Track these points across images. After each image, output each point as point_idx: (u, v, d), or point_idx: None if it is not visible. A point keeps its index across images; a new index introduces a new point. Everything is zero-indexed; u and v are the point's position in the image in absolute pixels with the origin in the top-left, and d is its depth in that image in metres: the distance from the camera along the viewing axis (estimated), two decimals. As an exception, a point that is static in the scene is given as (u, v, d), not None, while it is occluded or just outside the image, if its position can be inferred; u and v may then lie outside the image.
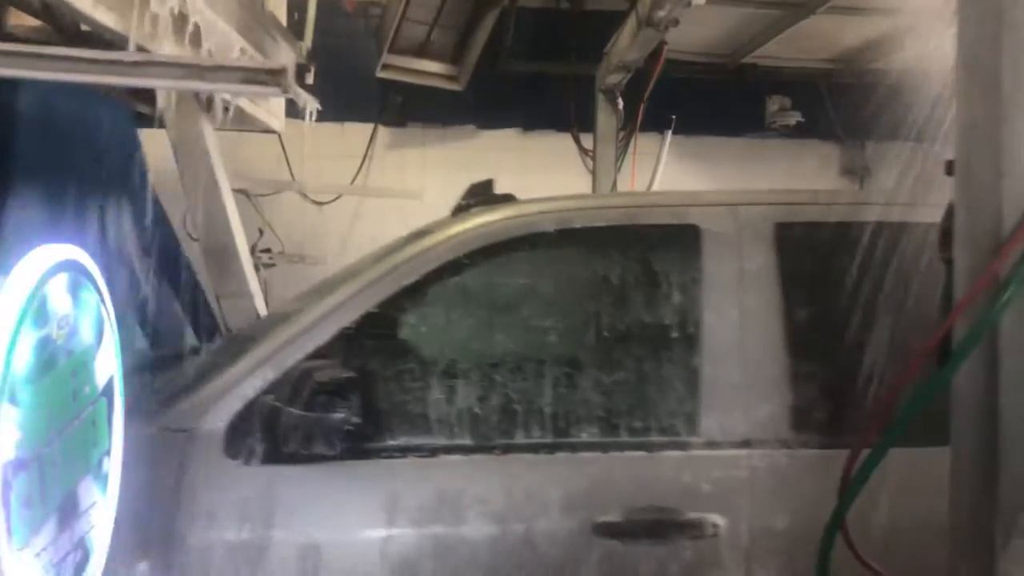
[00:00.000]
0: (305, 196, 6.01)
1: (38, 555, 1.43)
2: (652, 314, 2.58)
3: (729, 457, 2.41)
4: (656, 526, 2.35)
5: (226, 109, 3.26)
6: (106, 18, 2.27)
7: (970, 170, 1.40)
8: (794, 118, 6.03)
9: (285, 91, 1.71)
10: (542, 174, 6.28)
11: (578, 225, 2.66)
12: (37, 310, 1.44)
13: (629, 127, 5.24)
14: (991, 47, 1.34)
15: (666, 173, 5.06)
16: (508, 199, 2.98)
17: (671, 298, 2.55)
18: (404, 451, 2.39)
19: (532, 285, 2.65)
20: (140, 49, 2.32)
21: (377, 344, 2.48)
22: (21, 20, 2.96)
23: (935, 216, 2.67)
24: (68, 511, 1.56)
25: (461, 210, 2.95)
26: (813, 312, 2.55)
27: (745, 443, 2.42)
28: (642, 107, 4.85)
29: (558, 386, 2.46)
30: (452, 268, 2.52)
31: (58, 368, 1.51)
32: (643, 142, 5.20)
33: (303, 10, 4.50)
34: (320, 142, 5.88)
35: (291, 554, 2.27)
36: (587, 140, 5.72)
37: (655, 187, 4.93)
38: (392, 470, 2.38)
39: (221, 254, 3.60)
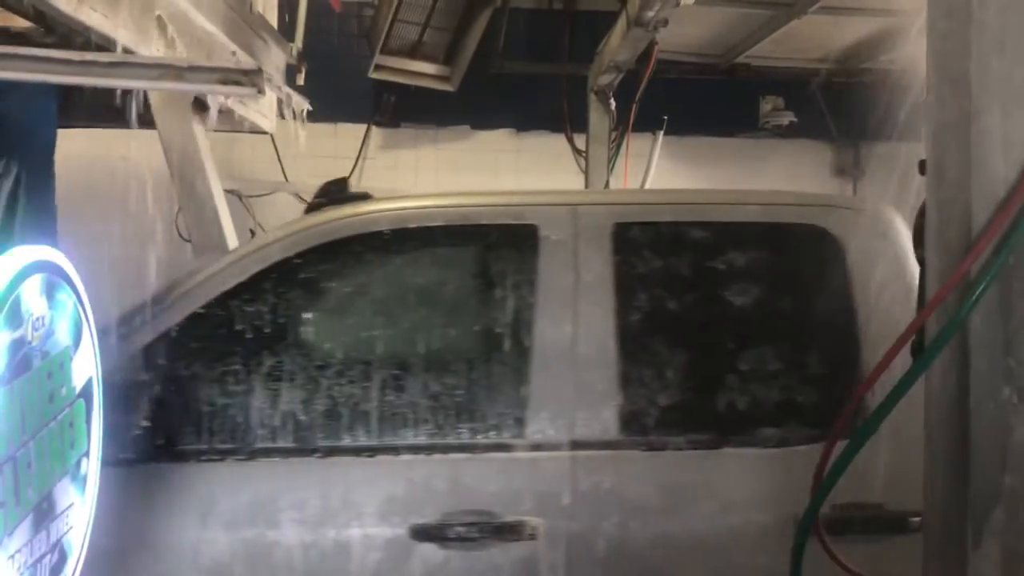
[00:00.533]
0: (298, 197, 6.01)
1: (12, 557, 1.43)
2: (483, 315, 2.56)
3: (553, 460, 2.40)
4: (472, 529, 2.34)
5: (220, 111, 3.26)
6: (91, 19, 2.28)
7: (941, 169, 1.40)
8: (787, 118, 6.03)
9: (261, 91, 1.72)
10: (536, 175, 6.31)
11: (413, 225, 2.61)
12: (11, 311, 1.44)
13: (622, 127, 5.24)
14: (960, 47, 1.34)
15: (658, 173, 5.05)
16: (364, 197, 2.95)
17: (504, 299, 2.52)
18: (222, 454, 2.37)
19: (362, 286, 2.59)
20: (126, 51, 2.34)
21: (200, 346, 2.45)
22: (11, 21, 2.97)
23: (783, 216, 2.67)
24: (44, 513, 1.56)
25: (312, 209, 2.91)
26: (649, 314, 2.52)
27: (572, 445, 2.40)
28: (634, 107, 4.84)
29: (383, 389, 2.42)
30: (282, 268, 2.48)
31: (33, 370, 1.51)
32: (636, 142, 5.20)
33: (294, 12, 4.51)
34: (313, 143, 5.88)
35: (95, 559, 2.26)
36: (580, 140, 5.72)
37: (647, 187, 4.92)
38: (208, 473, 2.36)
39: (212, 255, 3.60)
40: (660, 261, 2.56)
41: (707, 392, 2.47)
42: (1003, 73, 1.32)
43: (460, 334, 2.56)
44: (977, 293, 1.32)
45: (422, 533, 2.33)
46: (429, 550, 2.33)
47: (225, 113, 3.72)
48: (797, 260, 2.65)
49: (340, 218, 2.60)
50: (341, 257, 2.54)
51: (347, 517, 2.34)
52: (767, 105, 6.08)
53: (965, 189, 1.35)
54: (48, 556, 1.57)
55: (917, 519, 2.28)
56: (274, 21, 4.44)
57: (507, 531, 2.34)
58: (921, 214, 1.50)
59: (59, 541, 1.61)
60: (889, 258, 2.56)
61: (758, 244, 2.62)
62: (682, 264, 2.57)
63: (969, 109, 1.33)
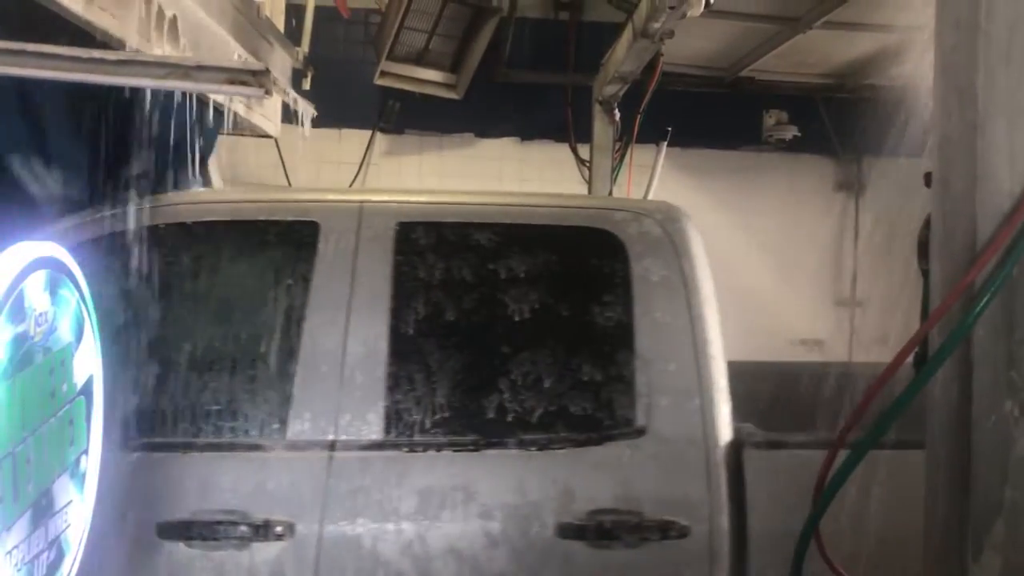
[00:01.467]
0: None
1: (9, 553, 1.43)
2: (253, 313, 2.51)
3: (311, 460, 2.37)
4: (218, 527, 2.30)
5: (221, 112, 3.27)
6: (100, 20, 2.29)
7: (946, 181, 1.40)
8: (791, 132, 6.04)
9: (268, 92, 1.72)
10: (539, 183, 6.31)
11: (190, 220, 2.56)
12: (14, 306, 1.44)
13: (626, 138, 5.25)
14: (967, 59, 1.34)
15: (661, 184, 5.05)
16: None
17: (276, 297, 2.48)
18: None
19: (135, 282, 2.49)
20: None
21: None
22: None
23: (569, 219, 2.63)
24: (42, 509, 1.56)
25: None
26: (424, 315, 2.50)
27: (332, 446, 2.38)
28: (639, 118, 4.85)
29: (143, 386, 2.37)
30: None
31: (34, 365, 1.51)
32: (639, 153, 5.20)
33: (301, 17, 4.53)
34: (317, 148, 5.90)
35: None
36: (584, 150, 5.72)
37: (650, 198, 4.92)
38: None
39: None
40: (442, 262, 2.53)
41: (475, 395, 2.45)
42: (1010, 86, 1.32)
43: (228, 332, 2.51)
44: (981, 305, 1.32)
45: (170, 531, 2.30)
46: (176, 547, 2.30)
47: (231, 116, 3.72)
48: (579, 263, 2.62)
49: (117, 212, 2.54)
50: (115, 252, 2.45)
51: (102, 513, 2.30)
52: (771, 119, 6.10)
53: (970, 201, 1.35)
54: (46, 553, 1.57)
55: (677, 526, 2.33)
56: (281, 26, 4.46)
57: (258, 531, 2.31)
58: (926, 226, 1.50)
59: (57, 538, 1.61)
60: (672, 262, 2.55)
61: (541, 247, 2.60)
62: (464, 266, 2.54)
63: (975, 121, 1.33)
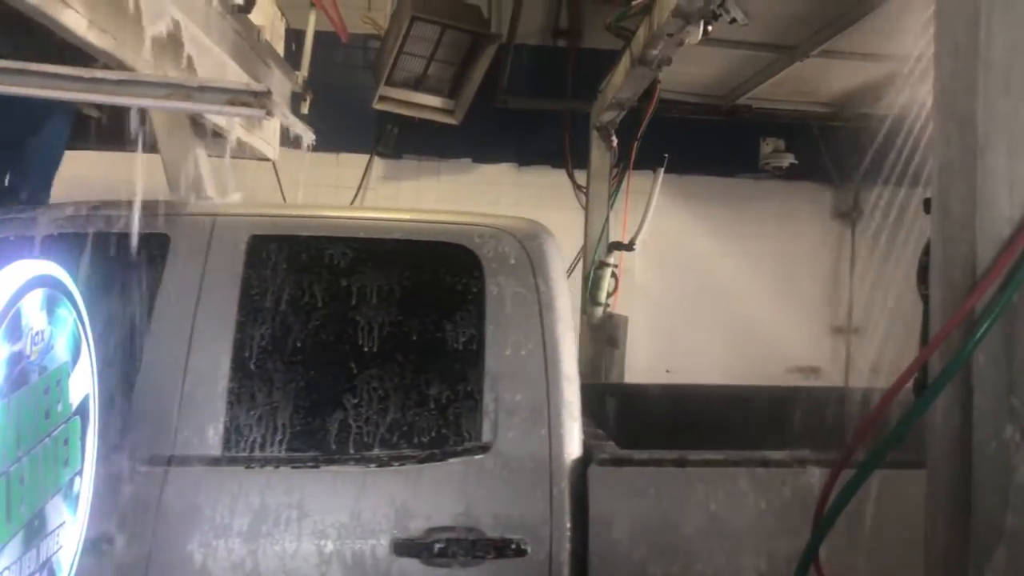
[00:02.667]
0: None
1: (1, 573, 1.41)
2: (99, 325, 2.47)
3: (146, 474, 2.33)
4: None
5: (217, 135, 3.27)
6: (100, 41, 2.29)
7: (946, 207, 1.40)
8: (787, 160, 6.07)
9: (270, 113, 1.72)
10: (536, 209, 6.29)
11: (42, 233, 2.51)
12: (10, 324, 1.43)
13: (623, 165, 5.27)
14: (966, 85, 1.35)
15: (658, 211, 5.07)
16: None
17: (123, 309, 2.43)
18: None
19: None
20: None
21: None
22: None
23: (426, 235, 2.58)
24: (35, 530, 1.54)
25: None
26: (271, 330, 2.47)
27: (168, 461, 2.35)
28: (636, 145, 4.87)
29: None
30: None
31: (30, 384, 1.50)
32: (636, 180, 5.22)
33: (301, 41, 4.55)
34: (315, 172, 5.91)
35: None
36: (581, 176, 5.75)
37: (647, 224, 4.94)
38: None
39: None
40: (293, 277, 2.51)
41: (318, 412, 2.42)
42: (1009, 111, 1.32)
43: None
44: (981, 331, 1.32)
45: None
46: None
47: (226, 138, 3.73)
48: (434, 279, 2.60)
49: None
50: None
51: None
52: (767, 146, 6.13)
53: (970, 227, 1.35)
54: (37, 574, 1.55)
55: (516, 544, 2.30)
56: (281, 50, 4.47)
57: (89, 545, 2.27)
58: (926, 252, 1.50)
59: (49, 560, 1.59)
60: (527, 280, 2.54)
61: (397, 262, 2.58)
62: (315, 280, 2.51)
63: (975, 147, 1.33)
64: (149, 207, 2.53)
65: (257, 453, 2.38)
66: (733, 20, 3.35)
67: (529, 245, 2.60)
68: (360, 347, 2.48)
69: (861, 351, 6.40)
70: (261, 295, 2.49)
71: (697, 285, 6.41)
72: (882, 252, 6.21)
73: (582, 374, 2.60)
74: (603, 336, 4.98)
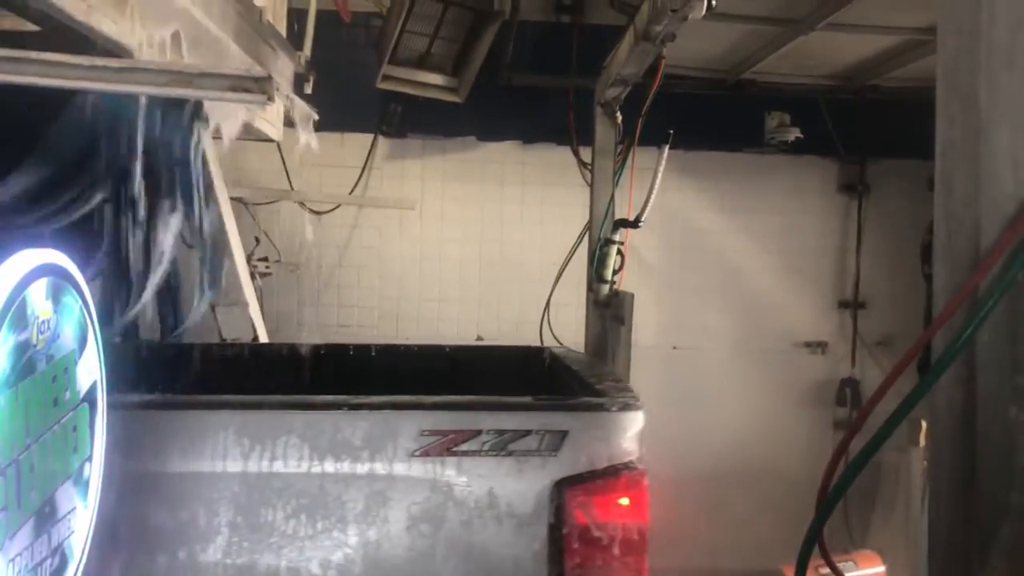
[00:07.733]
0: (303, 205, 6.02)
1: (12, 560, 1.43)
2: None
3: None
4: None
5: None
6: (102, 26, 2.28)
7: (949, 185, 1.40)
8: (793, 134, 6.03)
9: (271, 99, 1.72)
10: (541, 187, 6.31)
11: None
12: (16, 313, 1.44)
13: (628, 141, 5.24)
14: (970, 64, 1.34)
15: (664, 187, 5.04)
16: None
17: None
18: None
19: None
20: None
21: None
22: (18, 24, 2.98)
23: None
24: (46, 517, 1.56)
25: None
26: None
27: None
28: (641, 121, 4.84)
29: None
30: None
31: (37, 373, 1.51)
32: (642, 156, 5.19)
33: (303, 21, 4.52)
34: (320, 152, 5.88)
35: None
36: (586, 153, 5.72)
37: (652, 201, 4.91)
38: None
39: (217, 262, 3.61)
40: None
41: None
42: (1012, 90, 1.32)
43: None
44: (985, 310, 1.31)
45: None
46: None
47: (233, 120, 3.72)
48: None
49: None
50: None
51: None
52: (773, 121, 6.09)
53: (974, 206, 1.34)
54: (49, 560, 1.57)
55: None
56: (283, 30, 4.46)
57: None
58: (929, 230, 1.50)
59: (60, 546, 1.61)
60: None
61: None
62: None
63: (978, 126, 1.33)
64: None
65: None
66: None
67: None
68: None
69: (867, 325, 6.39)
70: None
71: (703, 261, 6.39)
72: (889, 225, 6.19)
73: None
74: (609, 313, 4.98)
